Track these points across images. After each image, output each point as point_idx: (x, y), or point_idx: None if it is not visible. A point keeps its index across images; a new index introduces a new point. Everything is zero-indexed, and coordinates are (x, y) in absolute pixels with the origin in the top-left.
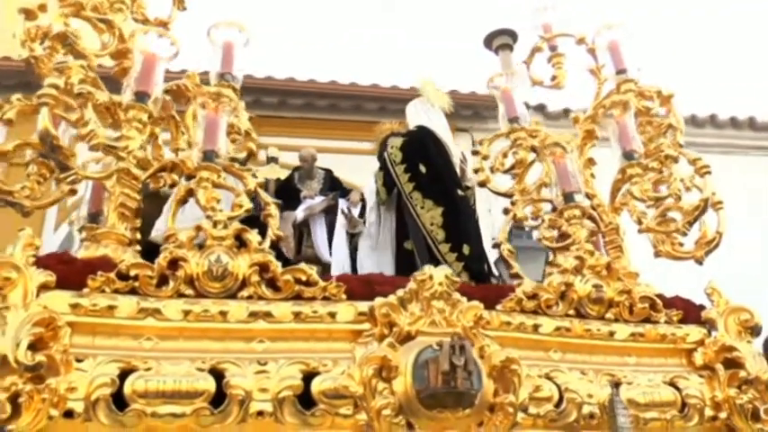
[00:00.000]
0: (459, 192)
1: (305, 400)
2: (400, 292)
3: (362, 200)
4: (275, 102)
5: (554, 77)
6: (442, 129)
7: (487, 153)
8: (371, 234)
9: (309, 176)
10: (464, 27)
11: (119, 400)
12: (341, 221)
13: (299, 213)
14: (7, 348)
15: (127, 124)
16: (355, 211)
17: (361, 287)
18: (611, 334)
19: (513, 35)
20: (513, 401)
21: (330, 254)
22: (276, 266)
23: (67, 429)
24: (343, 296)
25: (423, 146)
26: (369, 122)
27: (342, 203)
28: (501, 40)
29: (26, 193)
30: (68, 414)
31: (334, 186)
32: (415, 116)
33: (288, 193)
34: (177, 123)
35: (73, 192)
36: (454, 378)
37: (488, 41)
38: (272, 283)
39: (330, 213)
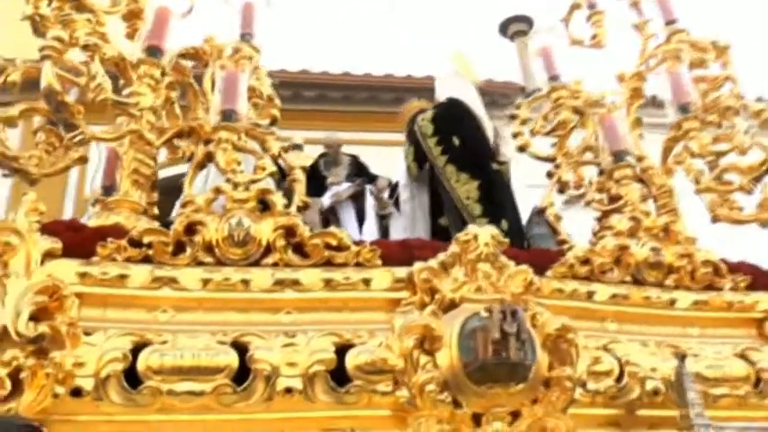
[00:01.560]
0: (495, 165)
1: (338, 376)
2: (442, 256)
3: (390, 185)
4: (289, 94)
5: (594, 36)
6: (474, 102)
7: (527, 116)
8: (405, 212)
9: (335, 163)
10: (479, 14)
11: (132, 377)
12: (370, 203)
13: (326, 200)
14: (7, 319)
15: (138, 81)
16: (384, 195)
17: (398, 252)
18: (672, 302)
19: (529, 21)
20: (571, 375)
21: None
22: (303, 230)
23: (75, 409)
24: (378, 261)
25: (455, 118)
26: (383, 113)
27: (369, 187)
28: (516, 27)
29: (34, 162)
30: (76, 392)
31: (360, 172)
32: (446, 90)
33: (313, 181)
34: (195, 91)
35: (83, 160)
36: (506, 348)
37: (504, 28)
38: (300, 249)
39: (357, 199)
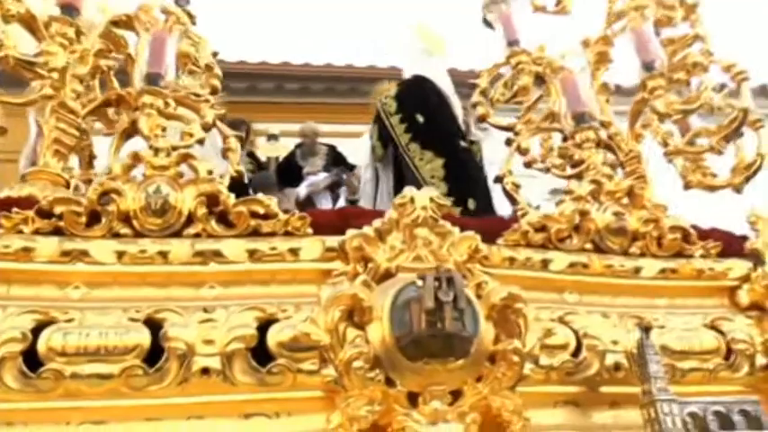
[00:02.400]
0: (463, 143)
1: (262, 355)
2: (377, 222)
3: None
4: (271, 87)
5: (559, 2)
6: (441, 77)
7: (486, 86)
8: (366, 193)
9: (312, 153)
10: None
11: (36, 360)
12: (343, 191)
13: (302, 190)
14: None
15: (49, 40)
16: (355, 181)
17: (334, 220)
18: (637, 270)
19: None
20: (519, 348)
21: None
22: (227, 197)
23: None
24: (309, 230)
25: (419, 94)
26: (366, 105)
27: (340, 173)
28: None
29: None
30: None
31: (338, 162)
32: (411, 67)
33: (290, 171)
34: (133, 60)
35: (3, 131)
36: (441, 318)
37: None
38: (224, 219)
39: (335, 190)
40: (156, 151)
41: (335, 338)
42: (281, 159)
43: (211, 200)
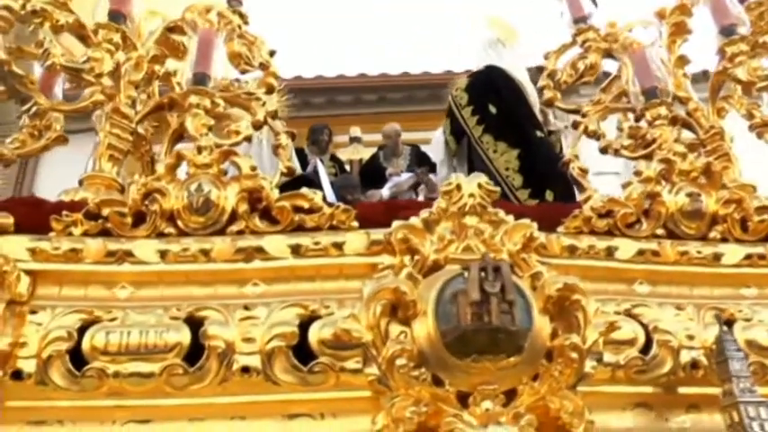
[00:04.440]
0: (539, 133)
1: (305, 353)
2: (425, 213)
3: None
4: (349, 99)
5: None
6: (515, 67)
7: (554, 68)
8: None
9: (395, 153)
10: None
11: (82, 359)
12: (422, 190)
13: (386, 192)
14: None
15: (95, 46)
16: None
17: (381, 213)
18: (717, 257)
19: None
20: (578, 344)
21: None
22: (270, 193)
23: (18, 394)
24: (355, 223)
25: (491, 85)
26: (420, 112)
27: (424, 173)
28: None
29: (15, 146)
30: (17, 375)
31: (421, 162)
32: (484, 58)
33: (373, 173)
34: None
35: (62, 139)
36: (487, 310)
37: None
38: (268, 215)
39: (418, 190)
40: (200, 150)
41: (378, 335)
42: (363, 162)
43: (254, 196)
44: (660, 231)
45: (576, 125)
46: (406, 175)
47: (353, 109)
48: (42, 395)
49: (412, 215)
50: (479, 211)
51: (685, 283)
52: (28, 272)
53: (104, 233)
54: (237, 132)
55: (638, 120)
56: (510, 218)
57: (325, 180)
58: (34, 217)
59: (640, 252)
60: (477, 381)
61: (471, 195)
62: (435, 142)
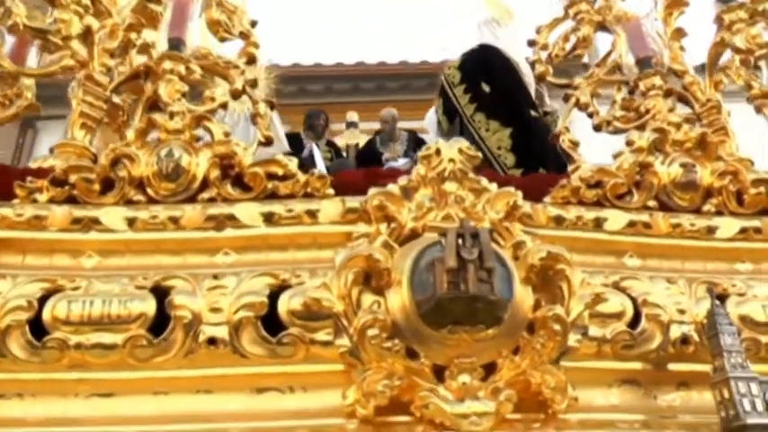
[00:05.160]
0: (534, 113)
1: (275, 324)
2: (403, 180)
3: None
4: (347, 87)
5: None
6: (510, 46)
7: (546, 41)
8: None
9: (392, 138)
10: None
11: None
12: None
13: None
14: None
15: (62, 8)
16: None
17: (360, 181)
18: (711, 230)
19: None
20: (561, 315)
21: None
22: (242, 158)
23: None
24: (330, 191)
25: (484, 63)
26: (418, 101)
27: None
28: None
29: None
30: None
31: (418, 148)
32: (479, 37)
33: (369, 158)
34: None
35: (32, 107)
36: (464, 278)
37: None
38: (240, 182)
39: None
40: (172, 115)
41: (349, 305)
42: (360, 147)
43: (227, 163)
44: (652, 203)
45: (566, 98)
46: (402, 161)
47: (351, 97)
48: (1, 367)
49: (392, 183)
50: (459, 177)
51: (677, 257)
52: None
53: (71, 200)
54: (213, 99)
55: (631, 92)
56: (493, 186)
57: (320, 164)
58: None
59: (631, 224)
60: (453, 353)
61: (451, 160)
62: (429, 122)
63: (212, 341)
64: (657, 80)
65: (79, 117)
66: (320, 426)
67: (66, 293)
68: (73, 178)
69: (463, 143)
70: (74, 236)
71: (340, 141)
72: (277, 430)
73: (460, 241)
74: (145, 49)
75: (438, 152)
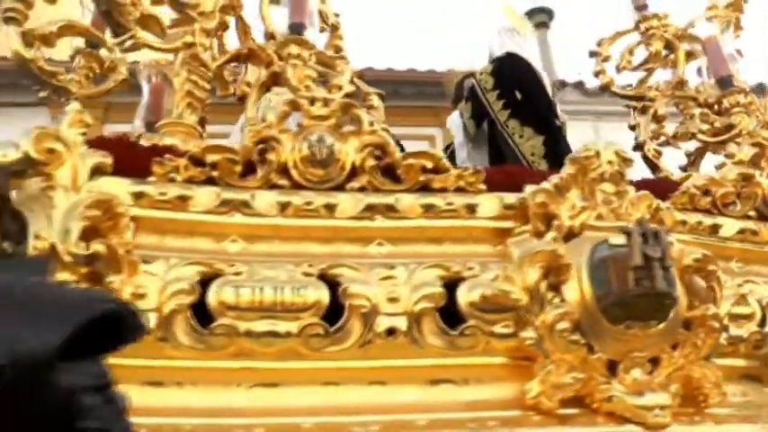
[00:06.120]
0: (558, 122)
1: (449, 316)
2: (555, 178)
3: None
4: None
5: None
6: (532, 56)
7: (608, 53)
8: None
9: None
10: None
11: (202, 316)
12: None
13: None
14: (55, 236)
15: None
16: None
17: (500, 178)
18: None
19: (549, 13)
20: (717, 314)
21: None
22: (395, 150)
23: (136, 350)
24: (483, 186)
25: (516, 71)
26: (405, 107)
27: None
28: (538, 19)
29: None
30: None
31: None
32: (501, 46)
33: None
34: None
35: (127, 83)
36: (650, 276)
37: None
38: (391, 172)
39: None
40: (312, 101)
41: (534, 298)
42: None
43: (378, 152)
44: (752, 213)
45: (644, 109)
46: None
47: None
48: (161, 354)
49: (532, 181)
50: (616, 179)
51: None
52: (131, 218)
53: (210, 181)
54: (339, 87)
55: (710, 107)
56: (632, 189)
57: None
58: (129, 158)
59: (741, 231)
60: (625, 348)
61: (609, 162)
62: (453, 126)
63: (391, 332)
64: (741, 98)
65: (185, 96)
66: (498, 417)
67: (228, 278)
68: (214, 158)
69: (617, 146)
70: (219, 218)
71: None
72: (452, 422)
73: (642, 239)
74: (244, 31)
75: (598, 154)
